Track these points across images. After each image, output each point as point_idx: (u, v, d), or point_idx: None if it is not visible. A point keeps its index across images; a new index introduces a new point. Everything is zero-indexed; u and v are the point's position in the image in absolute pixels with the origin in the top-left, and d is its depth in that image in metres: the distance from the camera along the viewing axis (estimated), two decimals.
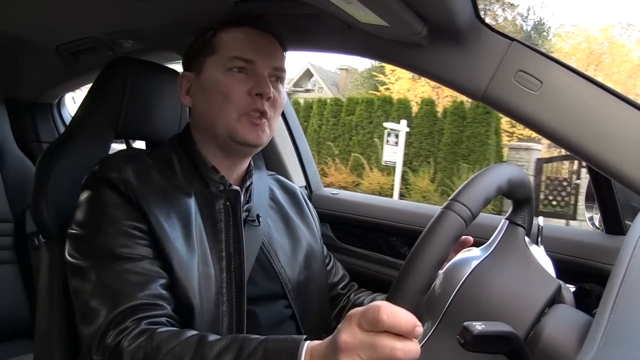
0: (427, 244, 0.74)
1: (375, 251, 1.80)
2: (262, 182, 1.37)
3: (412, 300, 0.71)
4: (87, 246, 1.08)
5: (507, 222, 0.97)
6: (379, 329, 0.71)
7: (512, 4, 28.53)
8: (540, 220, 1.04)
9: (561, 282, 0.94)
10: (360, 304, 1.36)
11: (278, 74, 1.23)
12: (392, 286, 0.73)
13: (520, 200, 0.96)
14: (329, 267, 1.46)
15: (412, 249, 0.75)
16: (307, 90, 26.39)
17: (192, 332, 0.98)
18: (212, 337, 0.95)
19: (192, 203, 1.16)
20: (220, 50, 1.19)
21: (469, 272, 0.89)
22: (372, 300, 1.34)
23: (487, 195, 0.80)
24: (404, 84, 19.74)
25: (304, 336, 0.86)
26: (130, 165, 1.13)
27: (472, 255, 0.94)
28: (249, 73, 1.18)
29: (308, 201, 1.49)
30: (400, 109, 14.01)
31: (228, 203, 1.20)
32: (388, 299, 0.72)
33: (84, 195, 1.13)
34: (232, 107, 1.16)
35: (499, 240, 0.95)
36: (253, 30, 1.22)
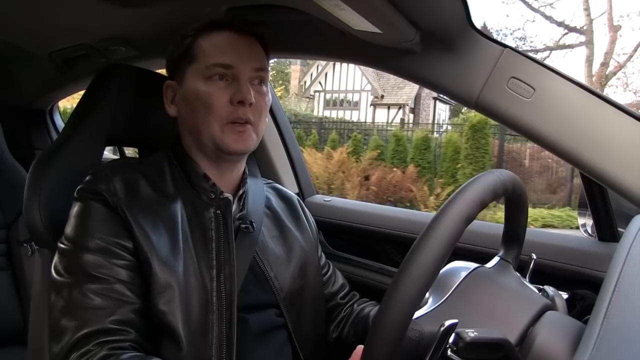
0: (472, 184, 0.77)
1: (368, 258, 1.79)
2: (258, 189, 1.36)
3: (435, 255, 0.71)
4: (69, 262, 1.08)
5: (499, 258, 1.01)
6: None
7: None
8: (534, 255, 1.07)
9: (554, 288, 0.95)
10: (365, 317, 1.34)
11: (260, 76, 1.20)
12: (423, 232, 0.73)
13: (511, 237, 1.01)
14: (327, 277, 1.44)
15: (455, 192, 0.76)
16: None
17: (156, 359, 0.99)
18: None
19: (180, 212, 1.15)
20: (200, 58, 1.17)
21: (466, 274, 0.91)
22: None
23: (516, 180, 0.88)
24: None
25: None
26: (119, 176, 1.13)
27: (466, 265, 0.96)
28: (229, 79, 1.16)
29: (306, 209, 1.47)
30: None
31: (219, 211, 1.18)
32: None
33: (74, 209, 1.13)
34: (214, 117, 1.14)
35: (491, 267, 0.98)
36: (232, 33, 1.19)
